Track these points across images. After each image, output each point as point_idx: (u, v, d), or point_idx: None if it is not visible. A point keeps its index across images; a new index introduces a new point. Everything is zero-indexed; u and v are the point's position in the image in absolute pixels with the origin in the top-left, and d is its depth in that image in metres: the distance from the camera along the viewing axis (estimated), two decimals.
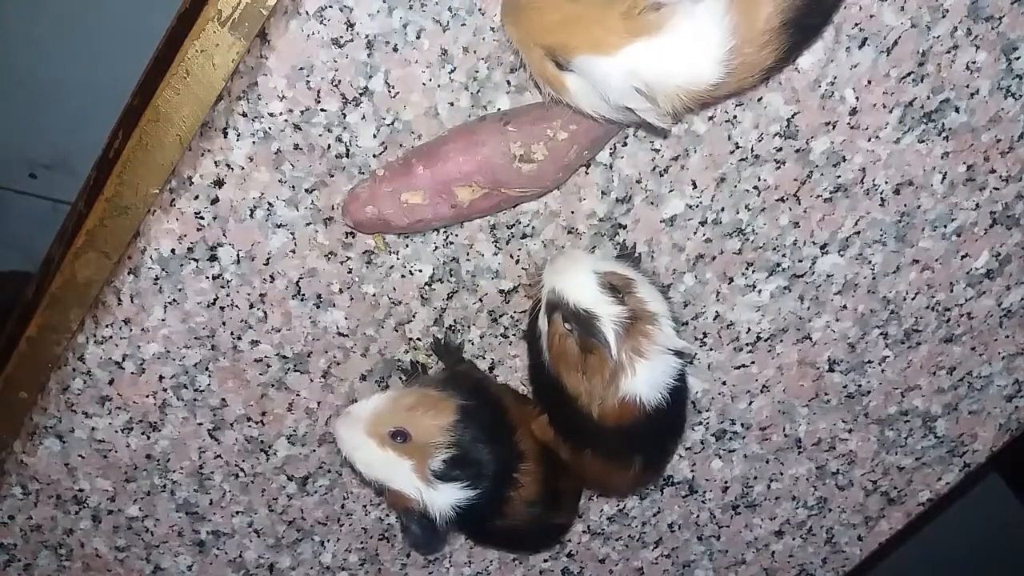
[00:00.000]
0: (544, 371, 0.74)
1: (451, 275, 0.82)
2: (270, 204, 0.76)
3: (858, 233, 0.84)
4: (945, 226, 0.85)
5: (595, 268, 0.71)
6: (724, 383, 0.91)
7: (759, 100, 0.77)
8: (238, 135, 0.73)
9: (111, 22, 1.49)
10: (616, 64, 0.59)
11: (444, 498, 0.71)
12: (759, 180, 0.81)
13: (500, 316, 0.84)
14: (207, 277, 0.79)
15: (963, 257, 0.87)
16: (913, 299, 0.88)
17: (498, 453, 0.74)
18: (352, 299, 0.82)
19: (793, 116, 0.78)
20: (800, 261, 0.85)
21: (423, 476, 0.71)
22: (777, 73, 0.74)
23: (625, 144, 0.78)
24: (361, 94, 0.73)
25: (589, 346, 0.69)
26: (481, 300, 0.83)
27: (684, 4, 0.59)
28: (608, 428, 0.72)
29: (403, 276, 0.81)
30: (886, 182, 0.82)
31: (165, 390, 0.84)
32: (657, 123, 0.62)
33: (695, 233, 0.82)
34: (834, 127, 0.79)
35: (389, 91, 0.73)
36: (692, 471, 0.95)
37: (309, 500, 0.92)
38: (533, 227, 0.80)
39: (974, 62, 0.77)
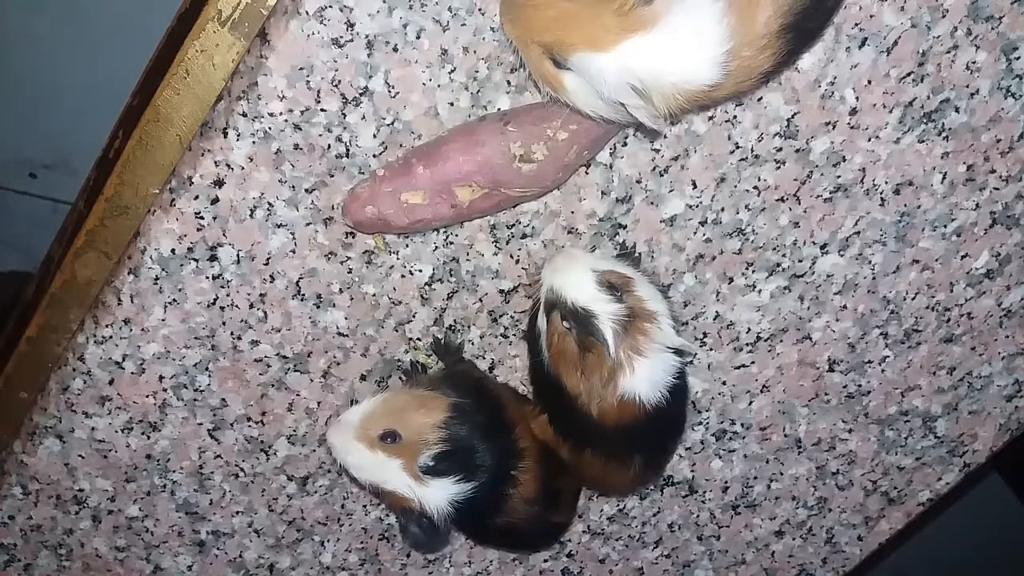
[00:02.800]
0: (544, 370, 0.74)
1: (451, 275, 0.82)
2: (270, 204, 0.76)
3: (858, 233, 0.84)
4: (945, 226, 0.85)
5: (593, 266, 0.71)
6: (724, 383, 0.91)
7: (759, 100, 0.77)
8: (238, 135, 0.73)
9: (111, 22, 1.49)
10: (611, 60, 0.59)
11: (438, 494, 0.71)
12: (759, 180, 0.81)
13: (500, 316, 0.84)
14: (207, 277, 0.79)
15: (963, 257, 0.87)
16: (913, 299, 0.88)
17: (493, 449, 0.74)
18: (352, 299, 0.82)
19: (793, 116, 0.78)
20: (800, 261, 0.85)
21: (413, 473, 0.71)
22: (776, 76, 0.74)
23: (625, 144, 0.78)
24: (361, 94, 0.73)
25: (587, 344, 0.69)
26: (481, 300, 0.83)
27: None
28: (608, 427, 0.72)
29: (403, 276, 0.81)
30: (886, 182, 0.82)
31: (165, 390, 0.84)
32: (649, 122, 0.62)
33: (695, 233, 0.82)
34: (834, 127, 0.79)
35: (389, 91, 0.73)
36: (692, 471, 0.95)
37: (309, 500, 0.92)
38: (533, 227, 0.80)
39: (974, 62, 0.77)
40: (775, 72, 0.65)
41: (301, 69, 0.71)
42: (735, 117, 0.77)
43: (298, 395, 0.86)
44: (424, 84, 0.73)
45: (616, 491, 0.93)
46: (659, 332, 0.70)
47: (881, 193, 0.83)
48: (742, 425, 0.93)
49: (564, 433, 0.78)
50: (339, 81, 0.72)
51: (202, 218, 0.76)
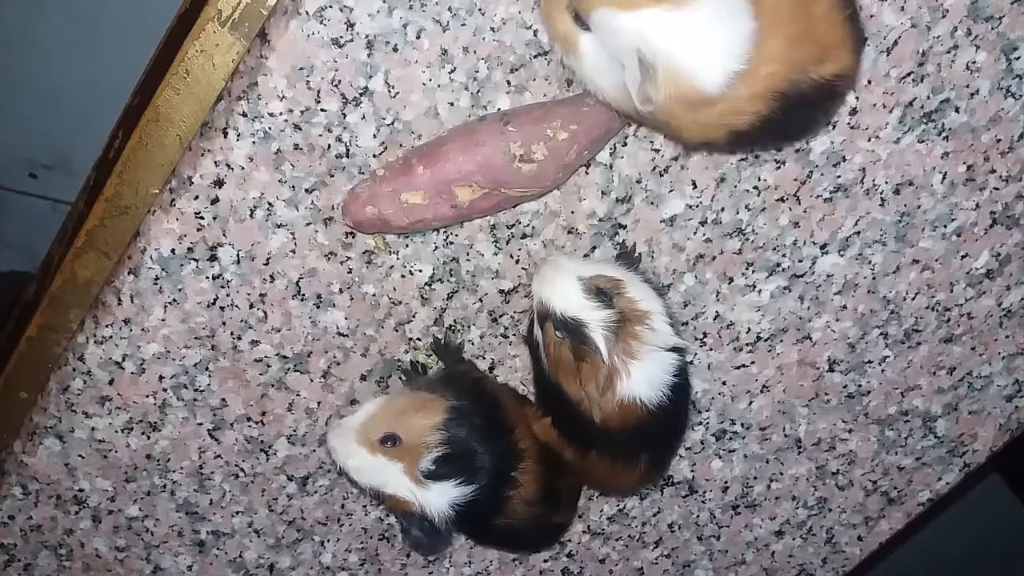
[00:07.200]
0: (546, 376, 0.74)
1: (451, 275, 0.82)
2: (270, 204, 0.76)
3: (858, 233, 0.84)
4: (945, 226, 0.85)
5: (579, 273, 0.70)
6: (724, 383, 0.91)
7: None
8: (238, 135, 0.73)
9: (111, 22, 1.49)
10: (631, 20, 0.58)
11: (439, 497, 0.71)
12: (759, 180, 0.81)
13: (500, 316, 0.84)
14: (207, 277, 0.79)
15: (963, 257, 0.87)
16: (913, 299, 0.88)
17: (493, 451, 0.74)
18: (352, 299, 0.82)
19: None
20: (800, 261, 0.85)
21: (414, 477, 0.71)
22: (739, 146, 0.73)
23: (625, 144, 0.78)
24: (361, 94, 0.73)
25: (582, 353, 0.69)
26: (481, 300, 0.83)
27: None
28: (612, 430, 0.71)
29: (403, 276, 0.81)
30: (886, 182, 0.82)
31: (165, 390, 0.84)
32: (636, 97, 0.60)
33: (695, 233, 0.82)
34: (834, 127, 0.79)
35: (389, 91, 0.73)
36: (692, 471, 0.95)
37: (309, 500, 0.92)
38: (533, 227, 0.80)
39: (974, 62, 0.77)
40: (741, 139, 0.63)
41: (301, 69, 0.71)
42: None
43: (298, 395, 0.86)
44: (424, 84, 0.73)
45: (622, 491, 0.93)
46: (651, 333, 0.69)
47: (881, 193, 0.83)
48: (742, 425, 0.93)
49: (570, 436, 0.77)
50: (339, 81, 0.72)
51: (202, 218, 0.76)
